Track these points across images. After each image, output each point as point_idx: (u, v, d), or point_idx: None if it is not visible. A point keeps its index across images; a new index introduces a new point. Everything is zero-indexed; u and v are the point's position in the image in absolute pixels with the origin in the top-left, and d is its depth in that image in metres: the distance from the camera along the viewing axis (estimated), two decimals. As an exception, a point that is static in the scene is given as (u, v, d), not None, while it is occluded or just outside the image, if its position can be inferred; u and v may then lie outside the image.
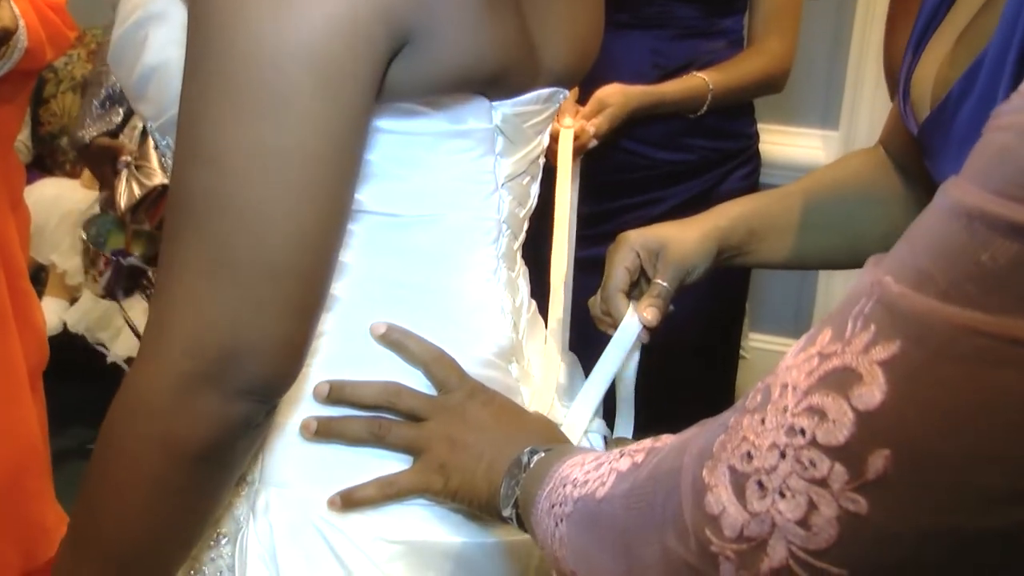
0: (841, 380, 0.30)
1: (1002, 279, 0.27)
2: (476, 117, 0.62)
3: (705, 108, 1.41)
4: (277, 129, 0.47)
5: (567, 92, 0.72)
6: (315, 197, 0.49)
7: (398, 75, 0.53)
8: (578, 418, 0.73)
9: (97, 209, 2.04)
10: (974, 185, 0.28)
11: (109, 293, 1.80)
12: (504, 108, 0.63)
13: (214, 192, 0.48)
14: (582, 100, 1.34)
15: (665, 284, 0.80)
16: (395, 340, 0.63)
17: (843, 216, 0.82)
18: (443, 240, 0.64)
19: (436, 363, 0.63)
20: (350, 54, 0.48)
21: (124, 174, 1.92)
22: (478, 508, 0.62)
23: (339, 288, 0.62)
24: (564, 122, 1.26)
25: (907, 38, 0.68)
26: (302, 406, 0.62)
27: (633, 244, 0.81)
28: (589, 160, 1.32)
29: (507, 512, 0.59)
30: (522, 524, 0.57)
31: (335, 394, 0.61)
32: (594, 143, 1.31)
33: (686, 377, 1.48)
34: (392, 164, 0.60)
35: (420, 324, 0.63)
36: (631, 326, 0.78)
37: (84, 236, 1.49)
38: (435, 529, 0.63)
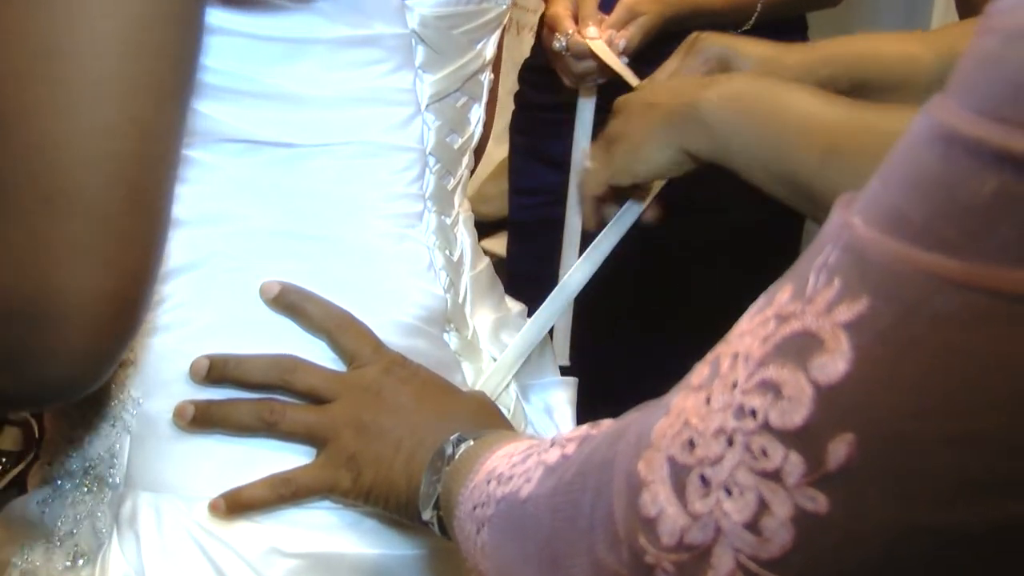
0: (800, 347, 0.28)
1: (983, 220, 0.24)
2: (385, 20, 0.57)
3: (752, 22, 1.31)
4: (33, 18, 0.42)
5: None
6: (102, 107, 0.43)
7: None
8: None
9: None
10: (955, 102, 0.26)
11: None
12: (422, 8, 0.58)
13: None
14: (605, 8, 1.26)
15: None
16: (291, 303, 0.58)
17: None
18: (346, 176, 0.59)
19: (343, 330, 0.58)
20: None
21: None
22: (396, 510, 0.56)
23: (212, 239, 0.57)
24: (589, 32, 1.18)
25: None
26: (175, 388, 0.56)
27: (707, 50, 0.76)
28: (601, 92, 1.24)
29: (427, 515, 0.53)
30: (445, 531, 0.52)
31: (216, 371, 0.56)
32: (624, 60, 1.23)
33: None
34: (265, 77, 0.55)
35: (321, 283, 0.58)
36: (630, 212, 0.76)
37: None
38: (343, 539, 0.58)
